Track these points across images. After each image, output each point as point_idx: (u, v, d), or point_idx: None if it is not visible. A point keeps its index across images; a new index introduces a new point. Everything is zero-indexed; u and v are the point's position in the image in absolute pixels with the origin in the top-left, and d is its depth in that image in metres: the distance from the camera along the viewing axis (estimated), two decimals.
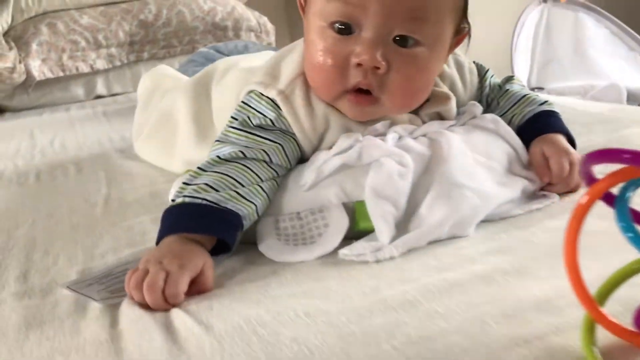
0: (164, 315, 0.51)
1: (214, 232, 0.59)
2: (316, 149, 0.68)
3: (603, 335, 0.39)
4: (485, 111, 0.78)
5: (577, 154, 0.69)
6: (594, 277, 0.40)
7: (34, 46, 1.88)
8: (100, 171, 1.06)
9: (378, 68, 0.63)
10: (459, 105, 0.75)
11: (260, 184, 0.63)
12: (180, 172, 0.85)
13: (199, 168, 0.64)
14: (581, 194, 0.39)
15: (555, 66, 2.41)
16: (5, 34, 1.90)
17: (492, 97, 0.80)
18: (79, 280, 0.62)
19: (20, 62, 1.84)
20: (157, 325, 0.49)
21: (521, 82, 0.83)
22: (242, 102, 0.70)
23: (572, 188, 0.69)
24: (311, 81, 0.67)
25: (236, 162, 0.64)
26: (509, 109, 0.77)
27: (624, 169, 0.37)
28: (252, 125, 0.68)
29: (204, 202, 0.59)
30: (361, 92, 0.65)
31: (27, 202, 0.93)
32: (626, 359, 0.38)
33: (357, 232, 0.62)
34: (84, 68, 1.96)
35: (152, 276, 0.53)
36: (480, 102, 0.79)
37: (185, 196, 0.61)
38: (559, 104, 1.10)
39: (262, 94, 0.69)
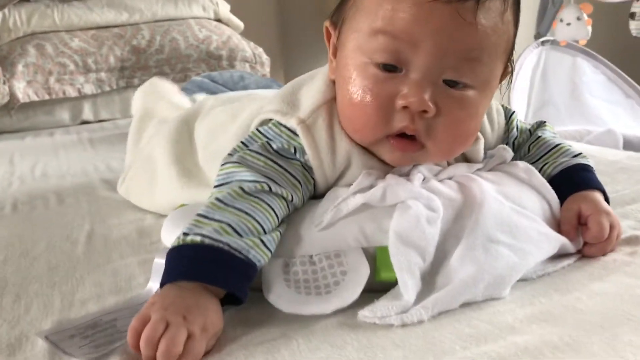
0: None
1: (230, 287, 0.51)
2: (330, 187, 0.61)
3: None
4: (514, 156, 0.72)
5: (617, 217, 0.63)
6: None
7: (19, 67, 1.81)
8: (84, 203, 0.98)
9: (426, 112, 0.56)
10: (486, 148, 0.69)
11: (278, 228, 0.56)
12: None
13: (218, 199, 0.55)
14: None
15: (551, 109, 2.38)
16: None
17: (521, 141, 0.74)
18: (58, 330, 0.54)
19: (4, 83, 1.76)
20: None
21: (553, 129, 0.77)
22: (258, 131, 0.63)
23: (607, 252, 0.62)
24: (348, 122, 0.60)
25: (259, 199, 0.55)
26: (540, 158, 0.71)
27: None
28: (272, 150, 0.60)
29: (225, 247, 0.51)
30: (405, 136, 0.59)
31: (5, 236, 0.85)
32: None
33: (376, 283, 0.54)
34: (71, 92, 1.89)
35: (172, 335, 0.45)
36: (507, 145, 0.73)
37: (204, 236, 0.52)
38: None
39: (280, 123, 0.62)
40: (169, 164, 0.81)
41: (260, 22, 2.53)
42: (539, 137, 0.73)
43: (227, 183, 0.57)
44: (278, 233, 0.55)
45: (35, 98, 1.83)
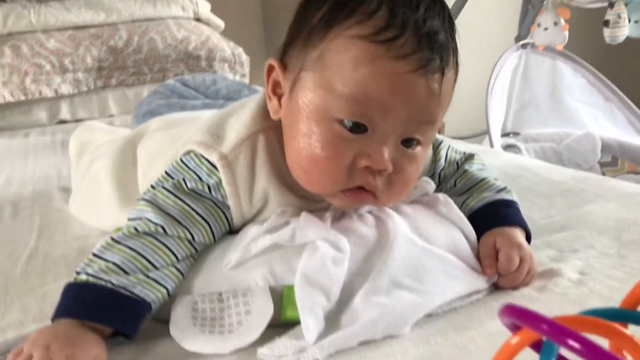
0: None
1: (112, 324, 0.54)
2: (247, 222, 0.63)
3: None
4: (438, 187, 0.74)
5: (529, 251, 0.64)
6: None
7: None
8: (36, 216, 1.00)
9: (385, 170, 0.58)
10: None
11: (176, 265, 0.58)
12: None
13: (112, 239, 0.58)
14: (511, 334, 0.33)
15: (531, 111, 2.39)
16: None
17: (447, 173, 0.75)
18: None
19: None
20: None
21: (482, 161, 0.78)
22: (181, 161, 0.65)
23: (518, 284, 0.64)
24: (302, 174, 0.60)
25: (153, 238, 0.58)
26: (465, 192, 0.72)
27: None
28: (185, 189, 0.62)
29: (109, 284, 0.54)
30: (361, 188, 0.60)
31: None
32: None
33: (283, 321, 0.56)
34: (48, 93, 1.90)
35: None
36: (433, 175, 0.74)
37: (89, 275, 0.55)
38: (524, 166, 1.07)
39: (203, 156, 0.63)
40: (111, 188, 0.83)
41: (243, 21, 2.54)
42: (466, 170, 0.74)
43: (137, 219, 0.59)
44: (174, 269, 0.57)
45: (10, 99, 1.84)
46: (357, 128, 0.57)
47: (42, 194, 1.13)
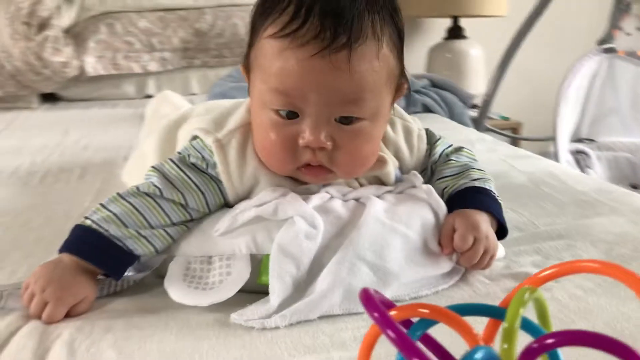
0: (48, 336, 0.58)
1: (102, 267, 0.65)
2: (242, 199, 0.71)
3: None
4: (430, 179, 0.79)
5: (487, 232, 0.69)
6: None
7: (91, 44, 1.99)
8: (98, 181, 1.13)
9: (324, 147, 0.65)
10: (405, 170, 0.77)
11: (167, 228, 0.67)
12: None
13: (118, 194, 0.69)
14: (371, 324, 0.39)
15: (611, 119, 2.32)
16: (67, 31, 2.02)
17: (437, 165, 0.80)
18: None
19: (75, 57, 1.96)
20: (32, 348, 0.56)
21: (471, 153, 0.82)
22: (190, 143, 0.75)
23: (477, 266, 0.68)
24: (262, 157, 0.69)
25: (151, 198, 0.68)
26: (444, 178, 0.77)
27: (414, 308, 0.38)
28: (188, 163, 0.72)
29: (105, 233, 0.65)
30: (310, 165, 0.68)
31: (18, 204, 1.01)
32: None
33: (259, 285, 0.64)
34: (137, 69, 2.06)
35: (33, 307, 0.62)
36: (426, 169, 0.80)
37: (93, 221, 0.66)
38: (554, 174, 1.08)
39: (203, 140, 0.73)
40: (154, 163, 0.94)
41: None
42: (450, 160, 0.79)
43: (143, 182, 0.70)
44: (164, 232, 0.67)
45: (102, 72, 2.02)
46: (292, 114, 0.65)
47: (110, 161, 1.27)
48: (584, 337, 0.32)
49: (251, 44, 0.68)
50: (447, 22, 2.62)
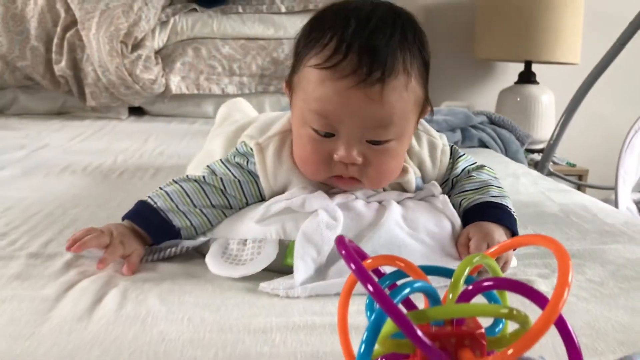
0: (107, 285, 0.70)
1: (147, 231, 0.79)
2: (277, 194, 0.82)
3: None
4: (450, 191, 0.87)
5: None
6: None
7: (177, 64, 2.19)
8: (167, 180, 1.27)
9: (355, 163, 0.76)
10: (427, 181, 0.87)
11: (205, 209, 0.80)
12: None
13: (173, 180, 0.84)
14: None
15: None
16: (158, 51, 2.23)
17: (459, 179, 0.88)
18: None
19: (163, 76, 2.16)
20: (93, 291, 0.68)
21: (493, 172, 0.90)
22: (236, 147, 0.88)
23: None
24: (299, 165, 0.81)
25: (197, 183, 0.82)
26: (464, 192, 0.85)
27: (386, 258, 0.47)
28: (232, 161, 0.85)
29: (154, 205, 0.79)
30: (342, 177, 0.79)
31: (99, 192, 1.16)
32: None
33: (284, 266, 0.74)
34: (216, 90, 2.24)
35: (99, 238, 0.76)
36: (447, 180, 0.89)
37: (149, 197, 0.81)
38: (586, 207, 1.13)
39: (247, 144, 0.85)
40: None
41: None
42: (471, 176, 0.88)
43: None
44: (201, 212, 0.80)
45: (185, 91, 2.21)
46: (329, 134, 0.76)
47: (180, 165, 1.42)
48: (504, 283, 0.41)
49: (295, 67, 0.79)
50: (519, 67, 2.66)
